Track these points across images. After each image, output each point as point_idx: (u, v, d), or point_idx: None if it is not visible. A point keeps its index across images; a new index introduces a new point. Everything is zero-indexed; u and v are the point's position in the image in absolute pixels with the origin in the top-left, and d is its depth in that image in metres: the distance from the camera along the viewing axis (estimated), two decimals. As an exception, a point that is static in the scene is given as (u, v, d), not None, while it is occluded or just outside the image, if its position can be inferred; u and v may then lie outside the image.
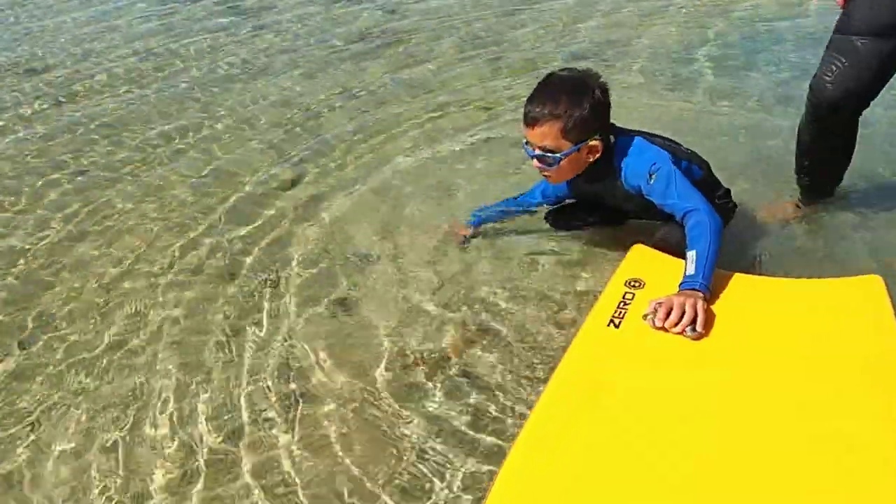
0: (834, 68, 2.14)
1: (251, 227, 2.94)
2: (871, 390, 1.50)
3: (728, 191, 2.35)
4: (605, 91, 2.09)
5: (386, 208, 2.97)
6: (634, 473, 1.39)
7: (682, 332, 1.66)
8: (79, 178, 3.51)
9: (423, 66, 4.52)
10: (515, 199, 2.61)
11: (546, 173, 2.16)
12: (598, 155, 2.11)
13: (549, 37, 4.82)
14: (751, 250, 2.38)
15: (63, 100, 4.51)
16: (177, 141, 3.82)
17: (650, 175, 2.05)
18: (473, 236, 2.62)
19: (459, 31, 5.08)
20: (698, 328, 1.65)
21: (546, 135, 2.05)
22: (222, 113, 4.12)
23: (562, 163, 2.08)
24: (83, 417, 2.08)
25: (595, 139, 2.07)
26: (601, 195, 2.31)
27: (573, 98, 2.03)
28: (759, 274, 1.97)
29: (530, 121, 2.06)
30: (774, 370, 1.58)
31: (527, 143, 2.13)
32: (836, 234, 2.46)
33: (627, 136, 2.16)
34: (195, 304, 2.52)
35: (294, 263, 2.67)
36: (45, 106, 4.44)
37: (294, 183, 3.27)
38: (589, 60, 4.17)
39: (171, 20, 5.95)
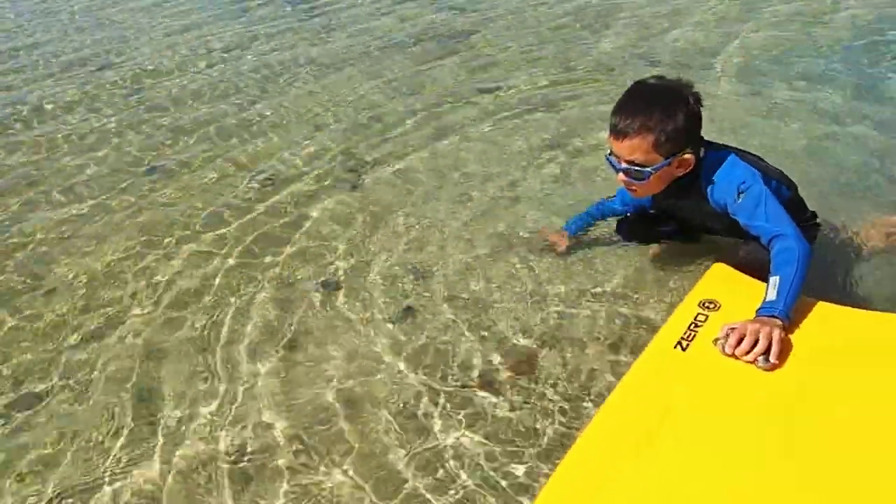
0: None
1: (322, 229, 2.99)
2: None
3: (814, 213, 2.23)
4: (698, 101, 1.99)
5: (462, 216, 2.96)
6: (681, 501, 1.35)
7: (753, 362, 1.59)
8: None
9: (490, 66, 4.49)
10: (600, 204, 2.55)
11: (633, 187, 2.07)
12: (689, 169, 2.02)
13: (623, 40, 4.69)
14: (837, 276, 2.26)
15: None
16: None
17: (739, 193, 1.96)
18: (570, 245, 2.57)
19: (530, 30, 5.00)
20: (772, 359, 1.58)
21: (636, 148, 1.95)
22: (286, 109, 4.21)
23: (651, 178, 1.99)
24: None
25: (688, 152, 1.98)
26: (684, 210, 2.24)
27: (666, 109, 1.93)
28: (844, 303, 1.84)
29: (619, 133, 1.95)
30: (844, 410, 1.50)
31: (612, 154, 2.03)
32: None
33: (718, 150, 2.07)
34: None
35: (361, 273, 2.67)
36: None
37: (355, 186, 3.28)
38: (666, 66, 4.05)
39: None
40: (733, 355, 1.61)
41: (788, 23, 4.63)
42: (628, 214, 2.47)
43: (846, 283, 2.25)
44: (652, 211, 2.38)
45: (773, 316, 1.66)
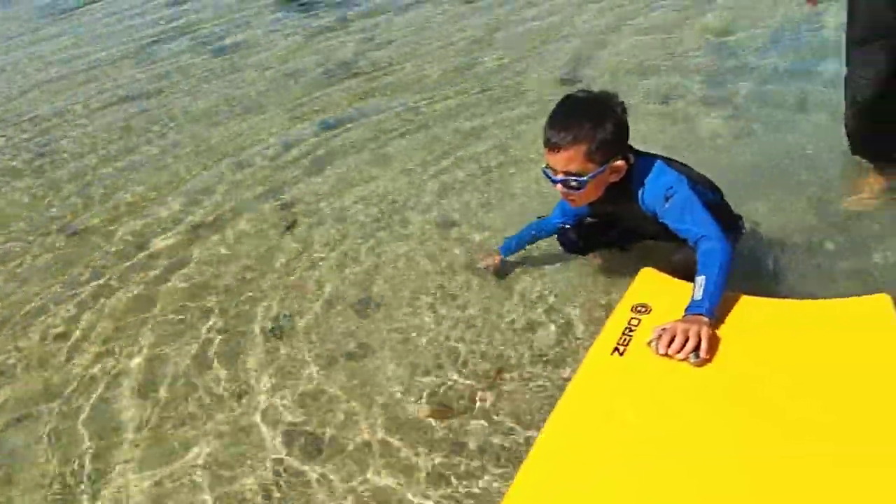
0: (867, 67, 2.37)
1: (253, 264, 3.03)
2: (878, 411, 1.50)
3: (740, 216, 2.36)
4: (624, 110, 2.09)
5: (387, 244, 3.02)
6: (638, 501, 1.42)
7: (685, 359, 1.68)
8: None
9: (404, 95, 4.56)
10: (538, 222, 2.61)
11: (571, 197, 2.14)
12: (621, 174, 2.10)
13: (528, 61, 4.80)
14: (763, 270, 2.39)
15: None
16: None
17: (666, 198, 2.06)
18: (503, 266, 2.65)
19: (437, 61, 5.07)
20: (702, 354, 1.67)
21: (571, 159, 2.03)
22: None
23: (587, 186, 2.07)
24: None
25: (619, 159, 2.07)
26: (620, 216, 2.33)
27: (596, 120, 2.02)
28: (770, 295, 1.96)
29: (554, 146, 2.04)
30: (778, 395, 1.58)
31: (547, 167, 2.11)
32: (855, 250, 2.45)
33: (646, 158, 2.17)
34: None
35: (300, 313, 2.70)
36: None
37: (290, 227, 3.29)
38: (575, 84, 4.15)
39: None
40: (666, 354, 1.69)
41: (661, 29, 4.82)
42: (567, 227, 2.52)
43: (771, 276, 2.38)
44: (590, 219, 2.46)
45: (699, 314, 1.76)
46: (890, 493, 1.32)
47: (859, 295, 1.86)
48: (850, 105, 2.52)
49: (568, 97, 2.14)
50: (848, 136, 2.66)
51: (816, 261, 2.43)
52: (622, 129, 2.08)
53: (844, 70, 2.52)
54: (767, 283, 2.32)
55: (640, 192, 2.13)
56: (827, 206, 2.69)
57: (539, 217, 2.61)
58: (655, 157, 2.17)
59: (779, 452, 1.46)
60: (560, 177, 2.07)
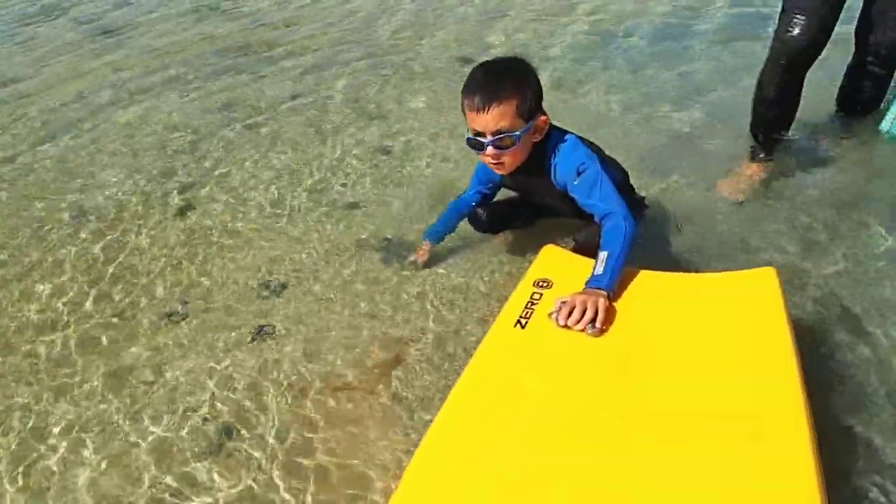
0: (797, 21, 2.48)
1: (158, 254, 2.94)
2: (754, 379, 1.58)
3: (643, 197, 2.44)
4: (535, 71, 2.12)
5: (297, 229, 2.98)
6: (537, 469, 1.45)
7: (583, 330, 1.72)
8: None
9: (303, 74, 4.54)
10: (456, 202, 2.59)
11: (501, 160, 2.10)
12: (542, 135, 2.12)
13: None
14: (661, 247, 2.48)
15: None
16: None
17: (578, 173, 2.10)
18: (430, 255, 2.62)
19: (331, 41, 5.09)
20: (598, 325, 1.72)
21: (503, 115, 2.01)
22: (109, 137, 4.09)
23: (520, 142, 2.06)
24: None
25: (541, 115, 2.10)
26: (532, 188, 2.35)
27: (518, 76, 2.05)
28: (667, 270, 2.03)
29: (481, 107, 2.01)
30: (667, 363, 1.65)
31: (476, 134, 2.08)
32: (750, 225, 2.57)
33: (561, 132, 2.20)
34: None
35: (211, 294, 2.66)
36: None
37: (184, 210, 3.23)
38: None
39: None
40: (566, 326, 1.74)
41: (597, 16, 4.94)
42: (476, 207, 2.54)
43: (669, 252, 2.47)
44: (501, 193, 2.49)
45: (599, 288, 1.81)
46: (764, 458, 1.39)
47: (748, 268, 1.95)
48: (772, 66, 2.63)
49: (481, 64, 2.13)
50: (754, 110, 2.81)
51: (711, 238, 2.53)
52: (540, 87, 2.10)
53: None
54: (665, 260, 2.41)
55: (552, 165, 2.16)
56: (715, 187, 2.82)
57: (456, 198, 2.61)
58: (568, 132, 2.22)
59: (665, 418, 1.52)
60: (490, 139, 2.05)
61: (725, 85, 3.62)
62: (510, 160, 2.12)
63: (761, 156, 2.84)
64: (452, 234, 2.63)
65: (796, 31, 2.49)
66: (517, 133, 2.05)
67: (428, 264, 2.59)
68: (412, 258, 2.63)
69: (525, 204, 2.55)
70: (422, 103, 3.91)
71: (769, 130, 2.83)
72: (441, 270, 2.57)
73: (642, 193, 2.59)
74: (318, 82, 4.42)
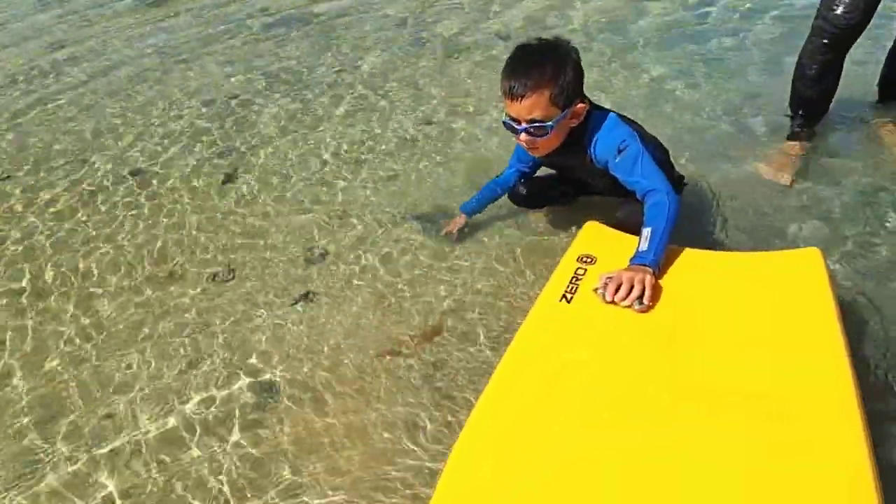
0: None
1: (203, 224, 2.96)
2: (801, 359, 1.58)
3: (682, 176, 2.43)
4: (578, 55, 2.09)
5: (335, 197, 3.00)
6: (584, 443, 1.46)
7: (630, 306, 1.73)
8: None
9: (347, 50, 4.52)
10: (496, 180, 2.60)
11: (535, 146, 2.12)
12: (581, 119, 2.11)
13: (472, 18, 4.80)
14: (702, 226, 2.47)
15: None
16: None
17: (619, 151, 2.09)
18: (465, 227, 2.63)
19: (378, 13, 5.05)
20: (645, 301, 1.72)
21: (535, 105, 2.01)
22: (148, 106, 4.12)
23: (552, 132, 2.06)
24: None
25: (579, 103, 2.08)
26: (571, 168, 2.35)
27: (557, 64, 2.01)
28: (709, 247, 2.03)
29: (517, 95, 2.01)
30: (714, 341, 1.65)
31: (512, 119, 2.09)
32: (790, 206, 2.56)
33: (601, 111, 2.18)
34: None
35: (249, 262, 2.68)
36: None
37: (230, 178, 3.25)
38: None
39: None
40: (612, 301, 1.74)
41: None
42: (518, 182, 2.54)
43: (710, 232, 2.47)
44: (539, 174, 2.50)
45: (644, 265, 1.81)
46: (811, 440, 1.40)
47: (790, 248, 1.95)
48: (814, 45, 2.61)
49: (522, 46, 2.10)
50: (794, 88, 2.79)
51: (749, 218, 2.52)
52: (580, 73, 2.08)
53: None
54: (702, 239, 2.40)
55: (592, 144, 2.15)
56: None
57: (496, 176, 2.61)
58: (609, 111, 2.20)
59: (712, 395, 1.52)
60: (524, 125, 2.06)
61: (765, 63, 3.57)
62: (544, 145, 2.13)
63: (802, 135, 2.81)
64: (492, 209, 2.64)
65: (840, 9, 2.46)
66: (550, 123, 2.04)
67: (464, 237, 2.60)
68: (446, 229, 2.64)
69: (565, 181, 2.54)
70: (464, 77, 3.89)
71: (809, 109, 2.81)
72: (480, 243, 2.59)
73: (681, 172, 2.57)
74: (361, 54, 4.41)
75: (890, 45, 2.91)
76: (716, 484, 1.33)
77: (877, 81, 3.04)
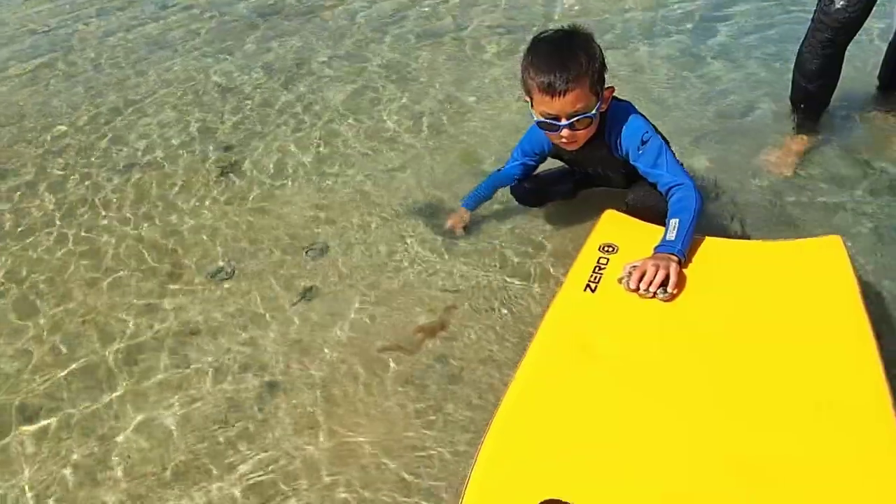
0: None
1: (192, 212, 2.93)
2: (828, 346, 1.58)
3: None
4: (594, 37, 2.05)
5: (336, 191, 2.96)
6: (611, 431, 1.45)
7: (654, 295, 1.72)
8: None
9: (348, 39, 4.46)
10: (497, 173, 2.54)
11: (575, 139, 2.06)
12: (607, 105, 2.08)
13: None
14: (711, 218, 2.46)
15: None
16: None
17: (643, 142, 2.07)
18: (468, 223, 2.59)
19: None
20: (670, 289, 1.71)
21: (578, 98, 1.95)
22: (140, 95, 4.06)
23: (594, 121, 2.02)
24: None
25: (607, 88, 2.06)
26: (589, 158, 2.29)
27: (587, 51, 1.96)
28: (729, 237, 2.03)
29: (559, 91, 1.93)
30: (739, 328, 1.65)
31: (551, 118, 2.01)
32: (795, 199, 2.55)
33: (619, 101, 2.15)
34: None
35: (250, 257, 2.64)
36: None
37: (226, 171, 3.19)
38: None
39: None
40: (637, 290, 1.73)
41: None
42: (520, 180, 2.49)
43: (721, 222, 2.46)
44: (543, 165, 2.46)
45: (671, 253, 1.80)
46: (839, 424, 1.40)
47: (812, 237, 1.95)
48: (814, 39, 2.60)
49: (545, 39, 2.03)
50: (795, 83, 2.78)
51: (755, 212, 2.51)
52: (604, 57, 2.03)
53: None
54: (716, 232, 2.38)
55: (613, 133, 2.13)
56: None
57: (497, 170, 2.56)
58: (623, 100, 2.18)
59: (738, 382, 1.52)
60: (567, 121, 2.00)
61: (767, 56, 3.56)
62: (583, 136, 2.08)
63: (804, 128, 2.82)
64: (493, 201, 2.61)
65: (840, 3, 2.47)
66: (592, 112, 2.00)
67: (468, 230, 2.57)
68: (449, 224, 2.60)
69: (568, 175, 2.51)
70: (464, 69, 3.84)
71: (810, 103, 2.81)
72: (482, 236, 2.56)
73: (687, 163, 2.56)
74: (361, 45, 4.33)
75: (891, 37, 2.92)
76: (743, 468, 1.33)
77: (877, 73, 3.05)
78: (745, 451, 1.37)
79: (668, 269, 1.73)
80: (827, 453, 1.35)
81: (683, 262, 1.80)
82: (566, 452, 1.42)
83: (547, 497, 1.30)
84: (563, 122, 2.00)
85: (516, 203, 2.59)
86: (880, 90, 3.05)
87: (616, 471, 1.37)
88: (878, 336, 1.59)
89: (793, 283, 1.78)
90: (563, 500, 1.29)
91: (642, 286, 1.72)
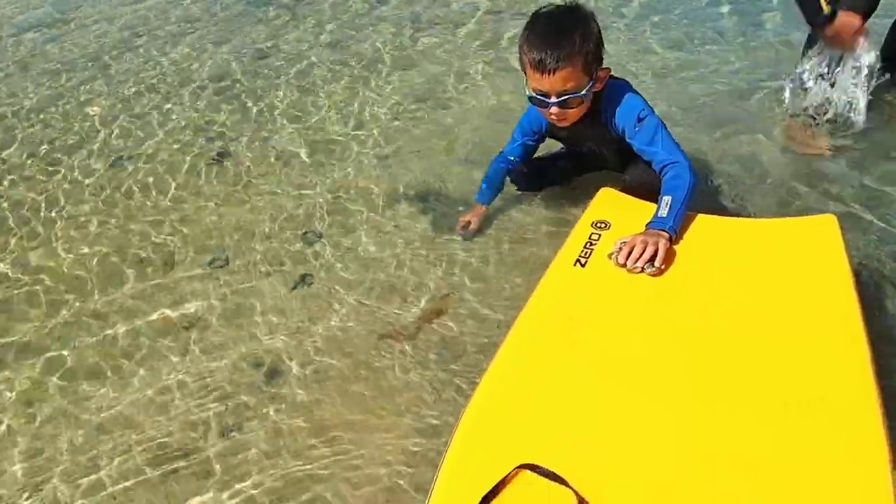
0: None
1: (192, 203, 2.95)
2: (815, 323, 1.58)
3: None
4: (595, 18, 2.03)
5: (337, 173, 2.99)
6: (595, 403, 1.47)
7: (641, 269, 1.73)
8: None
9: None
10: (498, 158, 2.52)
11: (565, 117, 2.07)
12: (603, 85, 2.07)
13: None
14: (715, 195, 2.47)
15: None
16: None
17: (639, 119, 2.08)
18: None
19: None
20: (657, 264, 1.73)
21: (569, 77, 1.96)
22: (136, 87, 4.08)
23: (585, 101, 2.03)
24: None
25: (602, 68, 2.05)
26: (585, 136, 2.29)
27: (583, 31, 1.95)
28: (725, 215, 2.03)
29: (549, 68, 1.94)
30: (727, 305, 1.66)
31: (541, 94, 2.02)
32: (802, 175, 2.55)
33: (615, 79, 2.15)
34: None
35: (244, 246, 2.66)
36: None
37: (219, 158, 3.23)
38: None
39: None
40: (625, 265, 1.75)
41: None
42: (518, 165, 2.48)
43: (720, 199, 2.47)
44: (541, 148, 2.47)
45: (662, 230, 1.81)
46: (823, 403, 1.40)
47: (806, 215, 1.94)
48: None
49: (543, 14, 2.02)
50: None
51: (761, 188, 2.51)
52: (601, 36, 2.03)
53: None
54: (714, 208, 2.39)
55: (608, 113, 2.13)
56: (771, 137, 2.79)
57: (497, 154, 2.54)
58: (620, 78, 2.19)
59: (723, 358, 1.53)
60: (556, 99, 2.01)
61: (774, 34, 3.53)
62: (574, 115, 2.09)
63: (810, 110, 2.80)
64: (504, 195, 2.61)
65: None
66: (583, 92, 2.01)
67: (482, 225, 2.54)
68: (464, 221, 2.52)
69: (566, 158, 2.52)
70: (459, 54, 3.85)
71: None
72: (500, 226, 2.55)
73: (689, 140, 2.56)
74: (355, 29, 4.37)
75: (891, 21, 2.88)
76: (726, 442, 1.34)
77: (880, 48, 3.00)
78: (729, 426, 1.38)
79: (657, 245, 1.75)
80: (810, 433, 1.35)
81: (675, 239, 1.81)
82: (546, 421, 1.44)
83: (524, 462, 1.32)
84: (553, 99, 2.01)
85: (514, 189, 2.59)
86: (884, 69, 2.98)
87: (595, 440, 1.39)
88: (868, 316, 1.59)
89: (784, 261, 1.78)
90: (541, 464, 1.32)
91: (629, 262, 1.74)
